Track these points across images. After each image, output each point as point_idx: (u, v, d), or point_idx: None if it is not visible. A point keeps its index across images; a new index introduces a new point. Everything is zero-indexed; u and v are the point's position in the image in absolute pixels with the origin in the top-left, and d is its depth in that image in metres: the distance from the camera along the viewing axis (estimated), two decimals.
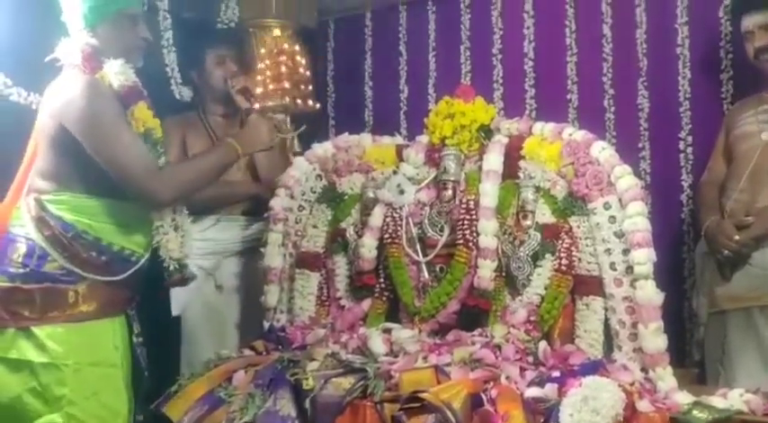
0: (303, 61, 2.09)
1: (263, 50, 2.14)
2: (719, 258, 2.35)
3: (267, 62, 2.06)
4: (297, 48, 2.09)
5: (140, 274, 2.04)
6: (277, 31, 2.09)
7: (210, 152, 2.22)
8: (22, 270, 1.90)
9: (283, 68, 2.05)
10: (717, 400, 1.82)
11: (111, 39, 1.98)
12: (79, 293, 1.91)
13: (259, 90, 2.13)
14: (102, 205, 1.95)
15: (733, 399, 1.82)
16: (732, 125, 2.51)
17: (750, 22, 2.42)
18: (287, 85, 2.04)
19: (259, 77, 2.12)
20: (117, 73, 1.95)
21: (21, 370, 1.88)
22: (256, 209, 2.69)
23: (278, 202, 2.44)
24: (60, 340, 1.89)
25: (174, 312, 2.64)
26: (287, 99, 2.10)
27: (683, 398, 1.83)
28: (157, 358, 2.23)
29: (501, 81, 3.14)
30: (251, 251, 2.67)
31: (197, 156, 2.34)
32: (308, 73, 2.15)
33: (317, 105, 2.29)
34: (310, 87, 2.20)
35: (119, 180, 1.92)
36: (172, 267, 2.06)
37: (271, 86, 2.07)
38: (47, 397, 1.87)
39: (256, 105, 2.71)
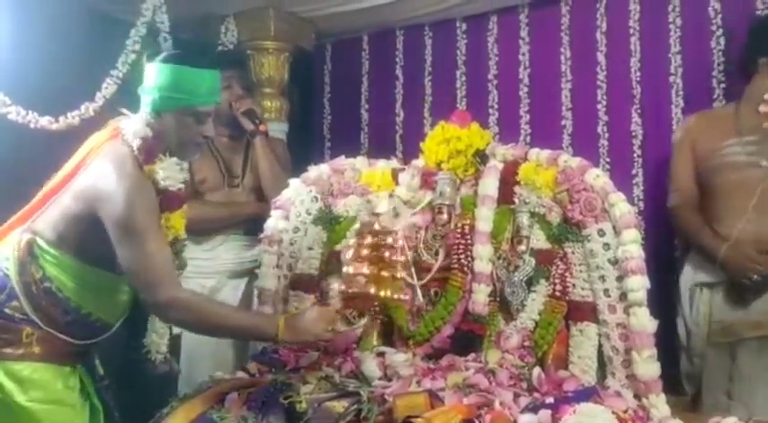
0: (399, 244, 1.81)
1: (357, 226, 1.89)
2: (746, 284, 2.32)
3: (355, 241, 1.85)
4: (396, 230, 1.84)
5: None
6: (378, 211, 1.89)
7: (253, 313, 2.17)
8: None
9: (365, 251, 1.80)
10: None
11: (172, 129, 1.93)
12: (34, 335, 1.87)
13: (347, 270, 1.86)
14: (89, 272, 1.91)
15: None
16: (707, 152, 2.49)
17: None
18: (367, 270, 1.78)
19: (348, 255, 1.87)
20: (166, 176, 1.91)
21: None
22: (260, 229, 2.69)
23: (273, 224, 2.44)
24: (12, 377, 1.85)
25: (175, 330, 2.63)
26: (368, 288, 1.81)
27: None
28: (156, 379, 2.23)
29: (496, 106, 3.17)
30: (251, 272, 2.68)
31: (238, 309, 2.26)
32: (401, 258, 1.82)
33: (406, 298, 1.98)
34: (402, 275, 1.87)
35: (131, 278, 1.88)
36: (158, 361, 2.10)
37: (351, 269, 1.81)
38: None
39: (262, 127, 2.73)
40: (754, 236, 2.35)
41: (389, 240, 1.83)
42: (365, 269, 1.82)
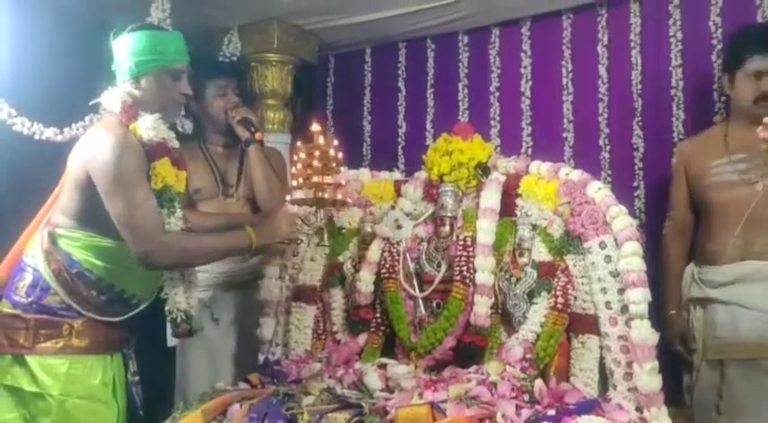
0: (338, 156, 2.05)
1: (299, 144, 2.09)
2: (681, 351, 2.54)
3: (300, 155, 2.05)
4: (334, 143, 2.06)
5: (140, 316, 2.08)
6: (315, 126, 2.05)
7: (225, 233, 2.25)
8: (24, 299, 1.98)
9: (315, 162, 2.02)
10: None
11: (152, 91, 2.04)
12: (74, 328, 1.97)
13: (293, 182, 2.12)
14: (113, 247, 1.98)
15: None
16: (699, 172, 2.54)
17: (765, 63, 2.39)
18: (316, 179, 2.03)
19: (293, 170, 2.11)
20: (148, 128, 2.00)
21: (14, 396, 1.95)
22: None
23: None
24: (50, 372, 1.94)
25: (170, 343, 2.64)
26: (317, 193, 2.05)
27: None
28: (152, 389, 2.23)
29: (498, 119, 3.19)
30: (248, 284, 2.68)
31: (210, 233, 2.32)
32: (340, 168, 2.11)
33: (349, 200, 2.23)
34: (343, 182, 2.18)
35: (122, 235, 1.94)
36: (180, 319, 2.11)
37: (300, 179, 2.06)
38: None
39: (258, 135, 2.75)
40: (741, 252, 2.40)
41: (332, 153, 2.04)
42: (314, 178, 2.04)
